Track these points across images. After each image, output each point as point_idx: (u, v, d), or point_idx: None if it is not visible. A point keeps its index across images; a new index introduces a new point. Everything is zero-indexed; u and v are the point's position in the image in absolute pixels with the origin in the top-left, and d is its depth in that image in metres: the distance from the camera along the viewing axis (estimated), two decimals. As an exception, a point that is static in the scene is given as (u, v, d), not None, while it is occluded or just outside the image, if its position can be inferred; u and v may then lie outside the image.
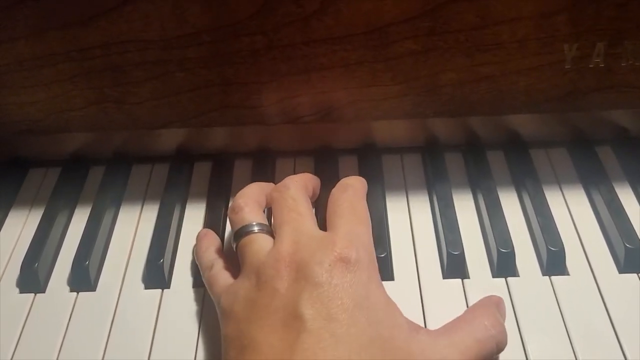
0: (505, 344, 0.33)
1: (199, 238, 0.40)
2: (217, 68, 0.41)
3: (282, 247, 0.33)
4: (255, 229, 0.35)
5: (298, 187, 0.37)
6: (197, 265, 0.41)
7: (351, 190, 0.37)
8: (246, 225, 0.36)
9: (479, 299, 0.36)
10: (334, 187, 0.39)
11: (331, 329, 0.29)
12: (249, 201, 0.37)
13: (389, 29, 0.39)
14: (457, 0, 0.38)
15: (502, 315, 0.35)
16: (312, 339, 0.29)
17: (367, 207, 0.37)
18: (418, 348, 0.30)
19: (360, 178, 0.39)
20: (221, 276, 0.36)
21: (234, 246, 0.36)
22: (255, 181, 0.41)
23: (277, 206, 0.37)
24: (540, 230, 0.40)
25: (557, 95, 0.42)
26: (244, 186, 0.40)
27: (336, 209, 0.36)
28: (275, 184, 0.39)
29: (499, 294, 0.37)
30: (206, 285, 0.37)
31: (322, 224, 0.36)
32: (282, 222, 0.35)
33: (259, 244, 0.34)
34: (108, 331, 0.37)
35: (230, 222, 0.37)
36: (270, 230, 0.36)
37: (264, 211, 0.38)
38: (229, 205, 0.39)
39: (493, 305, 0.35)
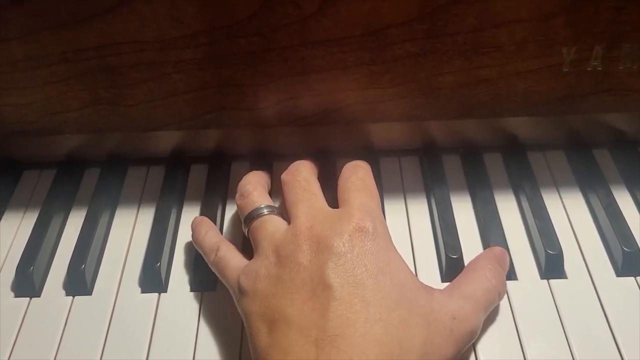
0: (505, 293, 0.37)
1: (194, 224, 0.41)
2: (214, 70, 0.40)
3: (300, 222, 0.34)
4: (266, 211, 0.37)
5: (309, 170, 0.39)
6: (194, 269, 0.40)
7: (361, 169, 0.39)
8: (257, 209, 0.37)
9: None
10: (330, 189, 0.39)
11: (359, 294, 0.31)
12: (257, 186, 0.39)
13: (387, 31, 0.39)
14: (455, 3, 0.38)
15: (503, 266, 0.37)
16: (343, 306, 0.30)
17: (375, 185, 0.39)
18: (437, 305, 0.33)
19: (365, 161, 0.41)
20: (231, 257, 0.37)
21: (245, 231, 0.37)
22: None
23: (290, 188, 0.38)
24: (538, 233, 0.40)
25: (555, 98, 0.42)
26: (241, 180, 0.41)
27: (349, 186, 0.37)
28: (273, 178, 0.42)
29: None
30: (214, 268, 0.37)
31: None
32: (296, 200, 0.36)
33: (273, 224, 0.36)
34: (105, 336, 0.37)
35: (239, 208, 0.39)
36: (279, 211, 0.37)
37: None
38: (237, 191, 0.40)
39: (493, 257, 0.37)
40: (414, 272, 0.40)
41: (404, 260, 0.34)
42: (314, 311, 0.30)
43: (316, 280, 0.31)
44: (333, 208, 0.37)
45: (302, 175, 0.38)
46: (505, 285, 0.36)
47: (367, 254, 0.32)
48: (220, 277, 0.37)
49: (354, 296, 0.31)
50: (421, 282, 0.34)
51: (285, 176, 0.39)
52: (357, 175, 0.38)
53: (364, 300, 0.30)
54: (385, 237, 0.34)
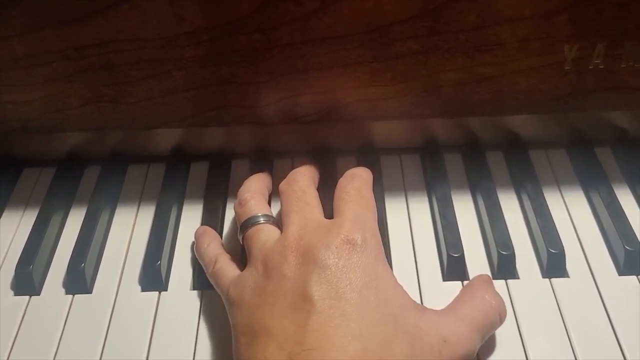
0: (506, 315, 0.34)
1: (197, 235, 0.41)
2: (215, 67, 0.40)
3: (290, 233, 0.34)
4: (261, 219, 0.36)
5: (307, 179, 0.39)
6: (194, 267, 0.40)
7: (358, 179, 0.38)
8: (252, 217, 0.37)
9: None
10: (331, 188, 0.39)
11: (340, 308, 0.30)
12: (255, 194, 0.39)
13: (389, 29, 0.39)
14: (457, 0, 0.38)
15: None
16: (322, 319, 0.29)
17: (373, 195, 0.38)
18: (427, 325, 0.31)
19: (366, 168, 0.40)
20: (227, 269, 0.36)
21: (240, 238, 0.37)
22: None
23: (286, 198, 0.37)
24: (540, 232, 0.40)
25: (557, 96, 0.42)
26: (241, 186, 0.40)
27: (344, 196, 0.37)
28: (274, 177, 0.42)
29: (499, 296, 0.38)
30: (211, 280, 0.37)
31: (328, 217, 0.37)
32: (289, 211, 0.36)
33: (266, 233, 0.35)
34: (105, 335, 0.37)
35: (237, 215, 0.38)
36: (276, 221, 0.37)
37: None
38: (237, 198, 0.39)
39: (487, 282, 0.36)
40: (415, 272, 0.40)
41: (394, 276, 0.33)
42: (293, 324, 0.30)
43: (298, 292, 0.31)
44: (331, 212, 0.37)
45: (299, 185, 0.38)
46: (505, 306, 0.35)
47: (353, 267, 0.31)
48: (216, 288, 0.37)
49: (334, 310, 0.30)
50: (412, 300, 0.33)
51: (282, 186, 0.39)
52: (352, 185, 0.37)
53: (345, 314, 0.29)
54: (375, 250, 0.33)
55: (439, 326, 0.31)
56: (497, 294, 0.35)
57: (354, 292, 0.30)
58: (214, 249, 0.39)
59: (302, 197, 0.37)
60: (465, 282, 0.39)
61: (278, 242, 0.34)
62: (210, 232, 0.41)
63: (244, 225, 0.37)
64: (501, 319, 0.34)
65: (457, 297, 0.35)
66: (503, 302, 0.35)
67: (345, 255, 0.32)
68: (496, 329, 0.34)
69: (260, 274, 0.33)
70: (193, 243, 0.41)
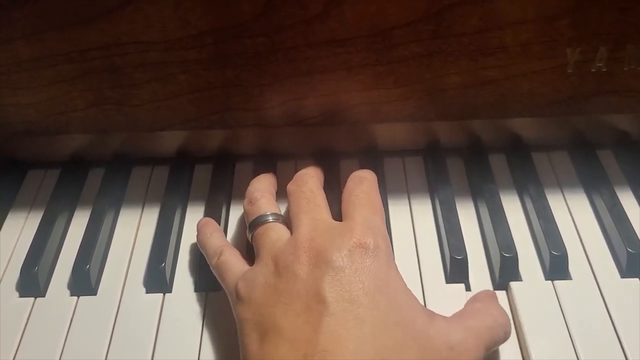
0: (510, 332, 0.35)
1: (200, 226, 0.41)
2: (219, 70, 0.40)
3: (301, 234, 0.34)
4: (271, 218, 0.37)
5: (315, 181, 0.39)
6: (199, 269, 0.40)
7: (366, 182, 0.38)
8: (262, 215, 0.37)
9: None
10: (334, 190, 0.39)
11: (354, 311, 0.30)
12: (265, 193, 0.39)
13: (392, 32, 0.39)
14: (461, 4, 0.38)
15: None
16: (336, 321, 0.29)
17: (381, 199, 0.38)
18: (436, 332, 0.31)
19: (371, 171, 0.40)
20: (233, 262, 0.36)
21: (250, 236, 0.37)
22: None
23: (295, 198, 0.38)
24: (543, 234, 0.40)
25: (560, 99, 0.42)
26: (245, 189, 0.41)
27: (354, 200, 0.37)
28: (277, 178, 0.43)
29: (502, 298, 0.38)
30: (215, 272, 0.37)
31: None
32: (299, 211, 0.36)
33: (277, 232, 0.36)
34: (109, 336, 0.37)
35: (246, 213, 0.39)
36: (285, 220, 0.37)
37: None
38: (246, 197, 0.40)
39: (493, 297, 0.36)
40: (418, 275, 0.40)
41: (404, 282, 0.33)
42: (306, 325, 0.30)
43: (311, 293, 0.31)
44: (336, 214, 0.37)
45: (308, 186, 0.38)
46: (510, 323, 0.35)
47: (365, 271, 0.31)
48: (220, 281, 0.37)
49: (348, 312, 0.30)
50: (422, 306, 0.33)
51: (290, 186, 0.39)
52: (361, 189, 0.37)
53: (358, 317, 0.30)
54: (387, 255, 0.33)
55: (447, 334, 0.31)
56: (503, 310, 0.35)
57: (367, 296, 0.30)
58: (218, 239, 0.39)
59: (312, 198, 0.37)
60: (468, 285, 0.39)
61: (289, 242, 0.34)
62: (212, 223, 0.41)
63: (254, 223, 0.37)
64: (506, 336, 0.34)
65: (463, 309, 0.35)
66: (509, 320, 0.35)
67: (359, 259, 0.32)
68: (500, 345, 0.34)
69: (271, 272, 0.33)
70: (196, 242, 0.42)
